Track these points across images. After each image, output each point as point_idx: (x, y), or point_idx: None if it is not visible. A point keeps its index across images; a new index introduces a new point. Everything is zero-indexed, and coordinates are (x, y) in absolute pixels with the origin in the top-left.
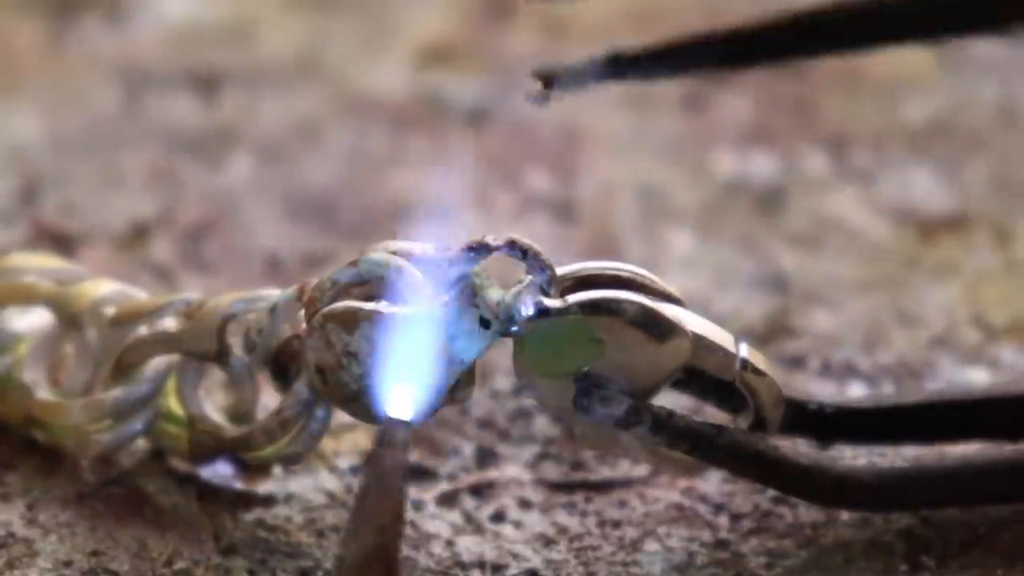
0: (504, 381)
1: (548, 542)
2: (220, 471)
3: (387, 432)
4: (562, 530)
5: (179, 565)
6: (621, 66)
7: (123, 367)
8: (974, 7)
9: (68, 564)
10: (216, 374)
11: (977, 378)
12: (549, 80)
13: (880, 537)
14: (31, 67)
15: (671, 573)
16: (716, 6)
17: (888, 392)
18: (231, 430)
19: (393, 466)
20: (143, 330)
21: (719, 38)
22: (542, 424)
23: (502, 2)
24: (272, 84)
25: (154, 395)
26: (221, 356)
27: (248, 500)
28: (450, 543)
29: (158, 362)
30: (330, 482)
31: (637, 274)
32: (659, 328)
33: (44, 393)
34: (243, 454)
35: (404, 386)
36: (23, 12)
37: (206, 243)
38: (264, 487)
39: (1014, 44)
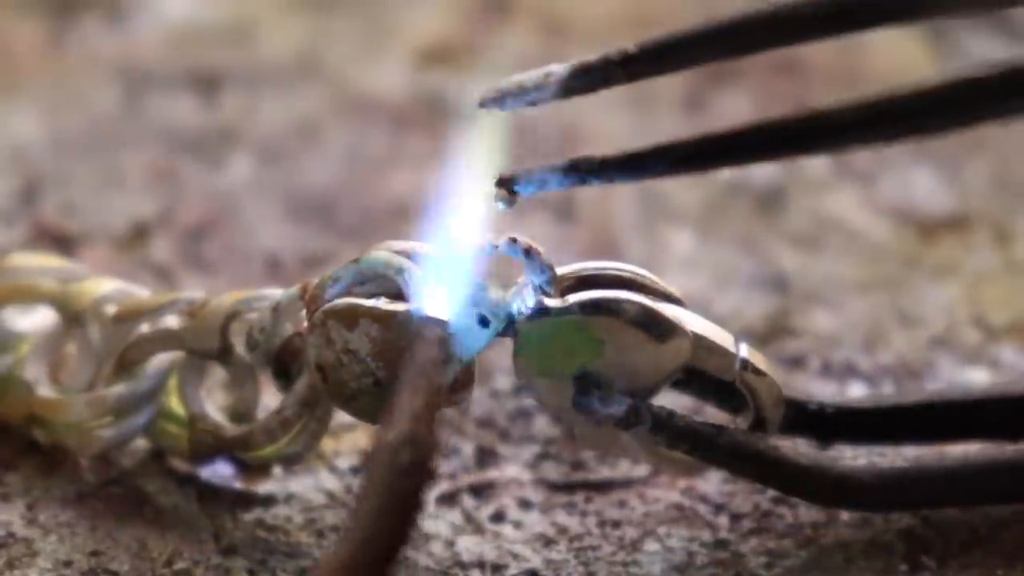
0: (504, 381)
1: (548, 542)
2: (220, 471)
3: (422, 329)
4: (562, 530)
5: (179, 565)
6: (581, 171)
7: (125, 364)
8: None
9: (68, 564)
10: (217, 375)
11: (977, 378)
12: (510, 186)
13: (880, 537)
14: (31, 67)
15: (671, 573)
16: (713, 6)
17: (888, 392)
18: (231, 429)
19: (426, 360)
20: (145, 328)
21: (680, 145)
22: (542, 424)
23: (502, 2)
24: (272, 84)
25: (156, 392)
26: (223, 354)
27: (248, 500)
28: (450, 543)
29: (160, 359)
30: (330, 482)
31: (637, 274)
32: (659, 328)
33: (46, 390)
34: (243, 454)
35: (440, 289)
36: (23, 12)
37: (206, 243)
38: (264, 487)
39: (1013, 43)
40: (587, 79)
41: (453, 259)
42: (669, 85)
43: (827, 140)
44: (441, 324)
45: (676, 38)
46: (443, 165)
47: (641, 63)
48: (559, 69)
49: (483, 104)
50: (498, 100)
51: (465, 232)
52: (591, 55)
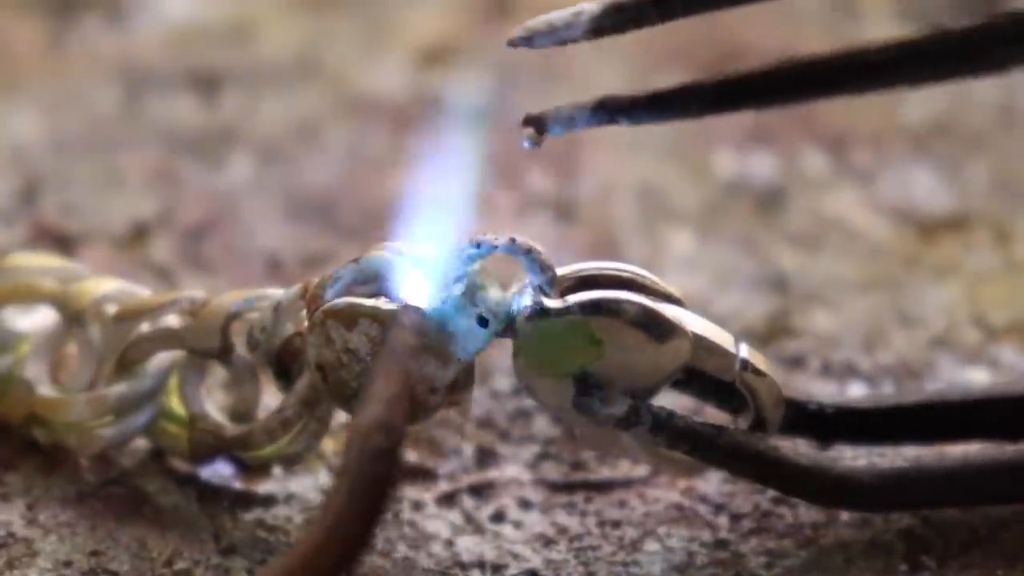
0: (504, 381)
1: (548, 542)
2: (220, 471)
3: (400, 315)
4: (562, 530)
5: (179, 565)
6: (610, 111)
7: (126, 363)
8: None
9: (68, 564)
10: (217, 375)
11: (977, 378)
12: (540, 126)
13: (880, 537)
14: (31, 67)
15: (671, 573)
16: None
17: (888, 392)
18: (231, 429)
19: (401, 346)
20: (146, 327)
21: (708, 84)
22: (542, 424)
23: (502, 2)
24: (272, 84)
25: (157, 391)
26: (224, 354)
27: (248, 500)
28: (450, 543)
29: (161, 359)
30: (330, 482)
31: (637, 274)
32: (659, 328)
33: (46, 390)
34: (243, 454)
35: (419, 276)
36: (23, 12)
37: (206, 243)
38: (264, 487)
39: None
40: (618, 18)
41: (439, 255)
42: (670, 81)
43: (855, 79)
44: (417, 311)
45: None
46: (431, 163)
47: (673, 2)
48: (590, 7)
49: (513, 44)
50: (528, 39)
51: (449, 229)
52: None
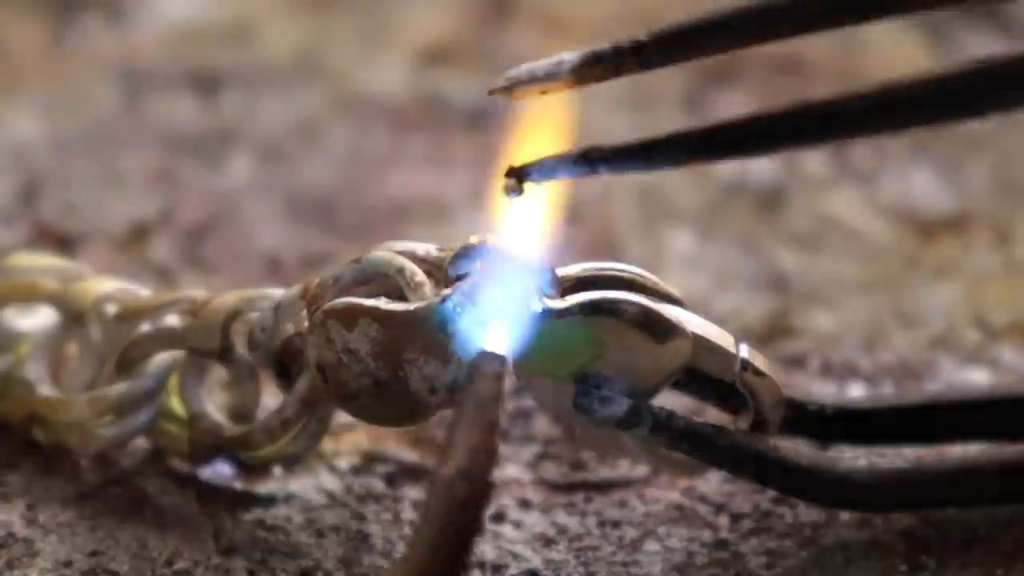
0: (504, 381)
1: (548, 542)
2: (220, 471)
3: (480, 364)
4: (562, 530)
5: (179, 565)
6: (593, 160)
7: (127, 363)
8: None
9: (68, 564)
10: (217, 375)
11: (977, 378)
12: (521, 176)
13: (880, 537)
14: (31, 67)
15: (671, 573)
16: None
17: (888, 392)
18: (231, 429)
19: (485, 395)
20: (146, 327)
21: (690, 135)
22: (542, 424)
23: (502, 2)
24: (272, 84)
25: (157, 391)
26: (224, 353)
27: (248, 500)
28: None
29: (161, 359)
30: (330, 482)
31: (638, 275)
32: (659, 329)
33: (47, 389)
34: (243, 454)
35: (497, 323)
36: (23, 12)
37: (206, 243)
38: (264, 487)
39: (1011, 40)
40: (598, 68)
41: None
42: (669, 84)
43: (838, 129)
44: (500, 359)
45: (687, 27)
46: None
47: (653, 52)
48: (570, 57)
49: (494, 92)
50: (509, 88)
51: (520, 256)
52: (603, 44)
